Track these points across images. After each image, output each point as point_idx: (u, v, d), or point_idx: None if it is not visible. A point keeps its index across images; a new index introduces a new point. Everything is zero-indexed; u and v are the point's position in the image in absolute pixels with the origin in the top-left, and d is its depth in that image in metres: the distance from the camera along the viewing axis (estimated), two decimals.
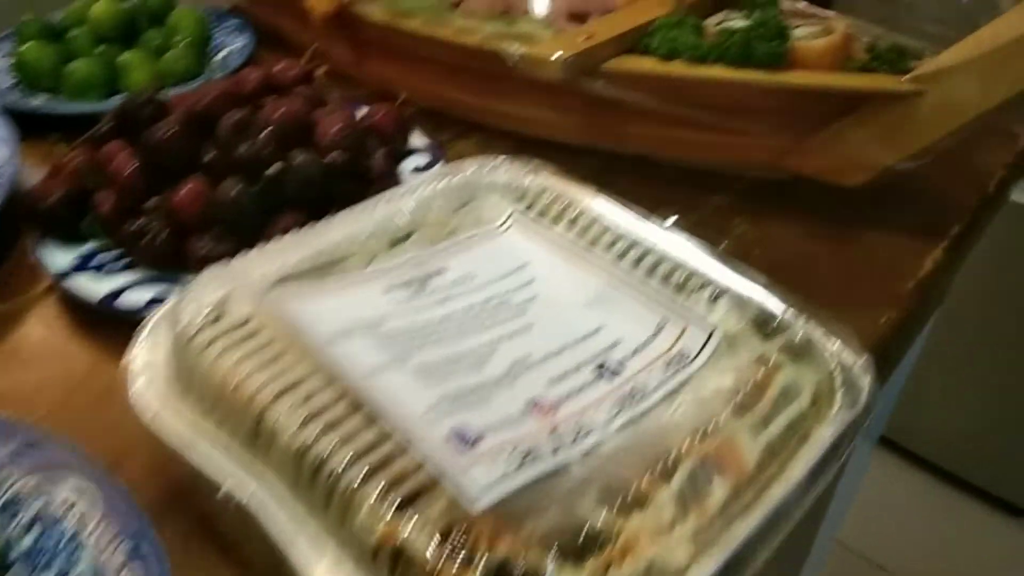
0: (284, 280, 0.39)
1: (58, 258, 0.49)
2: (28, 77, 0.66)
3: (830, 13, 0.63)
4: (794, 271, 0.43)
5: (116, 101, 0.57)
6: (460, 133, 0.66)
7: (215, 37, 0.74)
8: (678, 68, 0.56)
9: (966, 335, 1.37)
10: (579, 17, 0.61)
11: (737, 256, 0.42)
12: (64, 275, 0.48)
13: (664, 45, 0.57)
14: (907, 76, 0.52)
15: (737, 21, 0.61)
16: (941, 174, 0.57)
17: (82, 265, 0.49)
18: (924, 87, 0.51)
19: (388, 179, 0.54)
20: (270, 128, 0.49)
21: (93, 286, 0.47)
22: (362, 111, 0.59)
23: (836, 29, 0.57)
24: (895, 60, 0.54)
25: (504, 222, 0.45)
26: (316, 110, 0.54)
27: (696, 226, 0.45)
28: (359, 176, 0.53)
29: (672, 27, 0.58)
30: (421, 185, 0.46)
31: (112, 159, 0.50)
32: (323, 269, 0.40)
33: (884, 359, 0.49)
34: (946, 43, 0.52)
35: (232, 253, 0.41)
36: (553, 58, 0.55)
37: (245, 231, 0.47)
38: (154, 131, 0.49)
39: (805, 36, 0.57)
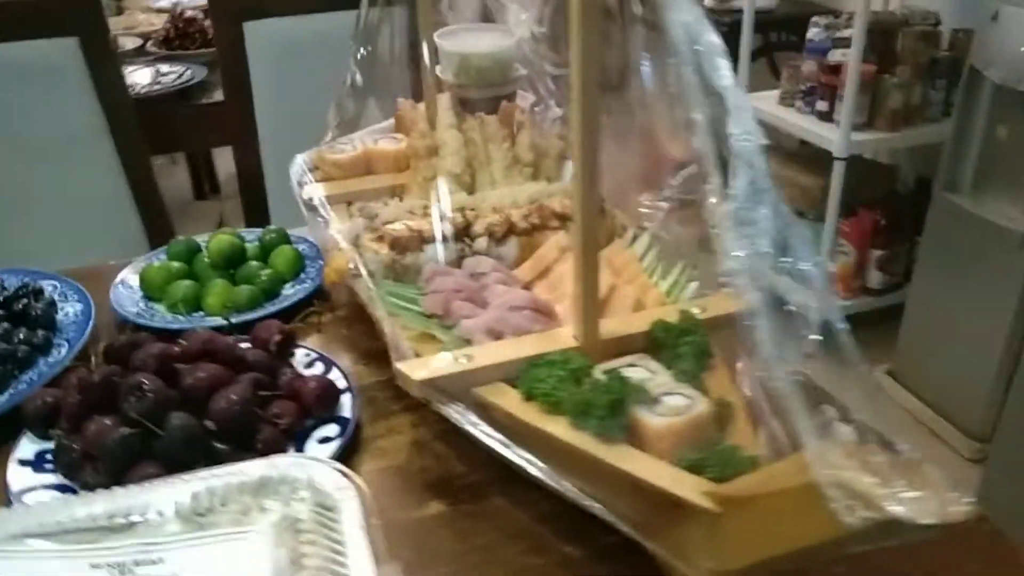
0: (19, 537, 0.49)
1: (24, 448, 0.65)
2: (145, 289, 0.87)
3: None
4: None
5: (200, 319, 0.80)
6: None
7: (307, 268, 0.90)
8: (530, 413, 0.57)
9: None
10: (495, 333, 0.64)
11: None
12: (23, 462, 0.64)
13: (528, 384, 0.58)
14: (706, 490, 0.47)
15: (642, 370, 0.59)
16: None
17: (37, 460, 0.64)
18: (720, 508, 0.46)
19: (276, 447, 0.63)
20: (154, 390, 0.60)
21: (22, 478, 0.62)
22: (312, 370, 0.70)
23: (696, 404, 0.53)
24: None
25: (252, 529, 0.50)
26: (232, 378, 0.64)
27: None
28: (243, 443, 0.62)
29: (553, 365, 0.59)
30: (228, 474, 0.53)
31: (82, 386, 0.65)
32: (61, 536, 0.49)
33: None
34: None
35: (105, 485, 0.51)
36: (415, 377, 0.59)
37: (113, 470, 0.59)
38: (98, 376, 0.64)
39: (665, 406, 0.54)
